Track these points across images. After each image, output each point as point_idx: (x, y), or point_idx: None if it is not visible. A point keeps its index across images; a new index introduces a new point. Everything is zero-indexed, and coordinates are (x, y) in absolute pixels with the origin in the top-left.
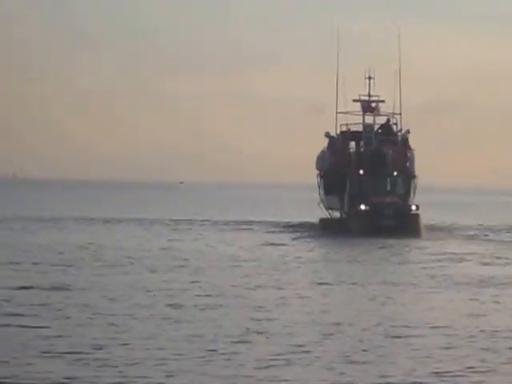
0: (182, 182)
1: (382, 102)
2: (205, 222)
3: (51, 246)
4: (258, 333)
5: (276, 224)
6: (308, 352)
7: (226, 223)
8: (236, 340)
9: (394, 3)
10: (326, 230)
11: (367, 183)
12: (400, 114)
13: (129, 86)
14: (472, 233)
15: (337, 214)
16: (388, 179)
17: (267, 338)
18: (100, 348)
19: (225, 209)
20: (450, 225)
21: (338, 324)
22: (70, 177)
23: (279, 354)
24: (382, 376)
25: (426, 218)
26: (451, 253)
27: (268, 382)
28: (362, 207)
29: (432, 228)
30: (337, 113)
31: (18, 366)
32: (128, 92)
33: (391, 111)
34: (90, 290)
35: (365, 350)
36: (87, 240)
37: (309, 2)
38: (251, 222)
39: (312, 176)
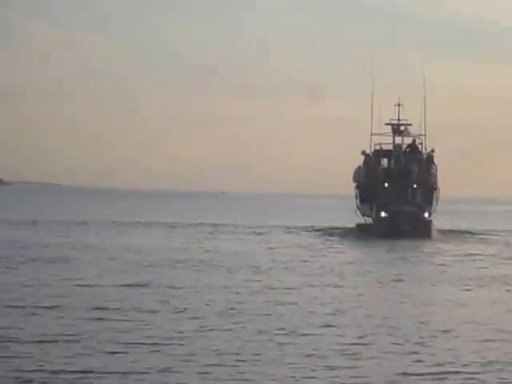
0: (223, 192)
1: (410, 125)
2: (256, 228)
3: (154, 248)
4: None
5: (319, 229)
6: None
7: (277, 227)
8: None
9: (421, 39)
10: (361, 233)
11: (391, 194)
12: (425, 135)
13: (182, 111)
14: (482, 236)
15: (370, 220)
16: (409, 191)
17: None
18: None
19: (274, 215)
20: (463, 229)
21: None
22: (134, 187)
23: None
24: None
25: (445, 224)
26: (466, 254)
27: None
28: (383, 214)
29: (446, 232)
30: (371, 134)
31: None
32: (183, 116)
33: (417, 133)
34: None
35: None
36: (178, 244)
37: (346, 35)
38: (299, 227)
39: (349, 188)
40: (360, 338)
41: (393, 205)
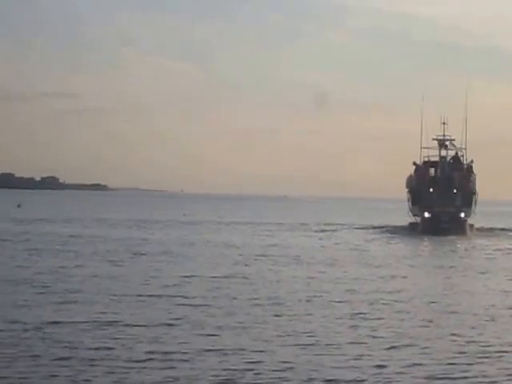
0: (285, 196)
1: (453, 140)
2: (325, 226)
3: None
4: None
5: (377, 227)
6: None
7: (341, 226)
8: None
9: (465, 63)
10: (412, 230)
11: (435, 198)
12: (465, 148)
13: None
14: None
15: (419, 220)
16: (450, 195)
17: None
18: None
19: (337, 216)
20: (498, 227)
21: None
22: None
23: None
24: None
25: (482, 223)
26: (500, 248)
27: None
28: (426, 215)
29: (483, 230)
30: (421, 148)
31: None
32: (261, 131)
33: (459, 146)
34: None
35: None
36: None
37: (396, 63)
38: (359, 226)
39: (402, 192)
40: (422, 321)
41: (436, 207)
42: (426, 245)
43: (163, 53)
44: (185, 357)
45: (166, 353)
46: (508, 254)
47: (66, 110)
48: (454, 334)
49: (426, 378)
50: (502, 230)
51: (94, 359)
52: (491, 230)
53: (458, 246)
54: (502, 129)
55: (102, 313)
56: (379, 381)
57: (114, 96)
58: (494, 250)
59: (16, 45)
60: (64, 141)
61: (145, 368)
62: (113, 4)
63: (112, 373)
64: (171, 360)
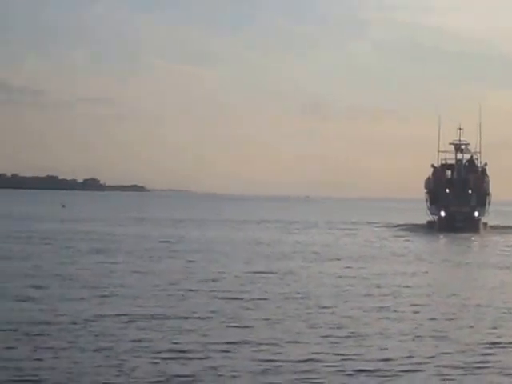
0: (307, 196)
1: (468, 144)
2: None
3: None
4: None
5: (396, 225)
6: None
7: (363, 224)
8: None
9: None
10: (430, 228)
11: (451, 198)
12: (480, 152)
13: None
14: None
15: (436, 218)
16: (465, 196)
17: None
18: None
19: (359, 215)
20: (511, 226)
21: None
22: (238, 193)
23: None
24: None
25: (496, 221)
26: (510, 245)
27: None
28: (442, 214)
29: (495, 227)
30: (438, 151)
31: None
32: (280, 135)
33: (474, 150)
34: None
35: None
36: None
37: (411, 71)
38: (380, 224)
39: (420, 193)
40: (444, 313)
41: (452, 206)
42: (443, 242)
43: (187, 61)
44: (222, 348)
45: (203, 344)
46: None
47: (105, 114)
48: (471, 327)
49: (448, 366)
50: (508, 227)
51: (136, 350)
52: (504, 227)
53: (473, 242)
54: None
55: (142, 306)
56: (407, 370)
57: (145, 102)
58: (508, 246)
59: (59, 56)
60: (104, 144)
61: (184, 359)
62: (142, 18)
63: (154, 363)
64: (209, 351)
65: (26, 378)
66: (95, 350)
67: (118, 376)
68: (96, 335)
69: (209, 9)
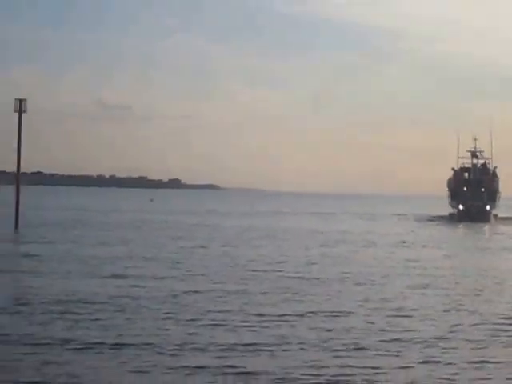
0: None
1: (482, 151)
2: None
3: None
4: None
5: (427, 216)
6: None
7: (402, 215)
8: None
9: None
10: (451, 219)
11: (468, 195)
12: (491, 158)
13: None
14: None
15: (455, 211)
16: (479, 193)
17: None
18: None
19: (395, 207)
20: None
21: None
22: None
23: None
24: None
25: (504, 213)
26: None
27: None
28: (460, 207)
29: (504, 219)
30: (458, 157)
31: None
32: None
33: (487, 157)
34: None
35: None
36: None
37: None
38: (412, 215)
39: (442, 191)
40: (471, 290)
41: (468, 201)
42: (461, 230)
43: (251, 83)
44: (289, 318)
45: (273, 315)
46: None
47: (185, 127)
48: (491, 301)
49: (477, 337)
50: None
51: (216, 320)
52: (505, 218)
53: (486, 231)
54: None
55: (220, 283)
56: (455, 336)
57: (216, 117)
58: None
59: (140, 78)
60: (184, 150)
61: (257, 327)
62: (215, 47)
63: (233, 331)
64: (278, 321)
65: (125, 341)
66: (186, 320)
67: (199, 341)
68: (184, 308)
69: (276, 37)
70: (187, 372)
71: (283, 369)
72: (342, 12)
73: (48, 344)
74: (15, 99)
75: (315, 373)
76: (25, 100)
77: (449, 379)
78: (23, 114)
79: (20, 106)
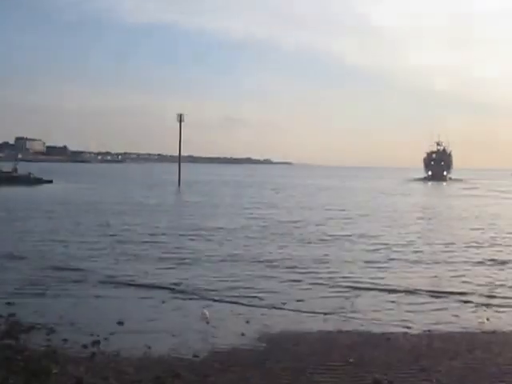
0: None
1: (442, 142)
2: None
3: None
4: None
5: (412, 177)
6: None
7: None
8: None
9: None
10: (425, 180)
11: (434, 166)
12: (449, 146)
13: None
14: (472, 181)
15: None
16: (440, 165)
17: None
18: None
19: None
20: (461, 178)
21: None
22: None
23: None
24: None
25: (453, 176)
26: (462, 188)
27: None
28: (430, 173)
29: (454, 179)
30: (430, 146)
31: None
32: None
33: (445, 145)
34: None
35: None
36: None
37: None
38: (404, 177)
39: (420, 164)
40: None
41: (434, 169)
42: (430, 185)
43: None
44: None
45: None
46: (465, 189)
47: None
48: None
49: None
50: (461, 179)
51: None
52: (457, 179)
53: (444, 185)
54: (468, 135)
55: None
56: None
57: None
58: (461, 189)
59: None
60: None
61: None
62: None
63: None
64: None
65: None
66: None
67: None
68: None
69: None
70: None
71: None
72: None
73: None
74: (177, 114)
75: None
76: (183, 114)
77: None
78: (182, 123)
79: (180, 118)
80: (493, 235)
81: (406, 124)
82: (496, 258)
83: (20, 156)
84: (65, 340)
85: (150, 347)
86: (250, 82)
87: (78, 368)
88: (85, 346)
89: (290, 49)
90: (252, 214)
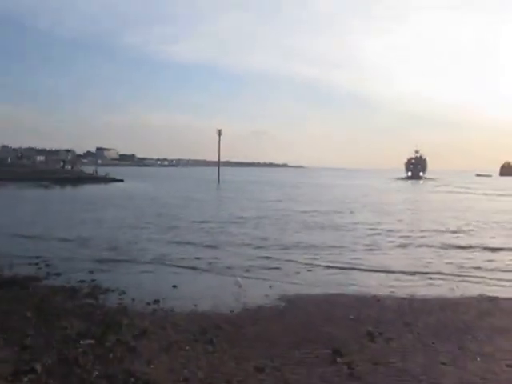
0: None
1: (420, 150)
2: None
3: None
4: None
5: (396, 177)
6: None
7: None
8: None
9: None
10: (406, 179)
11: (412, 168)
12: (424, 154)
13: None
14: (444, 181)
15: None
16: (417, 168)
17: None
18: None
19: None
20: (433, 178)
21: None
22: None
23: None
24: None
25: (428, 177)
26: (435, 185)
27: None
28: (409, 173)
29: (428, 178)
30: (410, 154)
31: None
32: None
33: (421, 153)
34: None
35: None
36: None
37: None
38: (389, 177)
39: (402, 167)
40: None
41: (412, 171)
42: (410, 183)
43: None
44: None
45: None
46: (437, 186)
47: None
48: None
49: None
50: (433, 178)
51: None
52: (430, 178)
53: (420, 184)
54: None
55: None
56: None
57: None
58: (434, 186)
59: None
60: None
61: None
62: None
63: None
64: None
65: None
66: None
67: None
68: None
69: None
70: None
71: None
72: None
73: None
74: (217, 129)
75: None
76: (221, 129)
77: None
78: (221, 136)
79: (219, 132)
80: (465, 223)
81: (394, 136)
82: (466, 243)
83: (99, 162)
84: (133, 299)
85: (196, 305)
86: (270, 104)
87: (143, 321)
88: (148, 304)
89: (297, 80)
90: (274, 206)
